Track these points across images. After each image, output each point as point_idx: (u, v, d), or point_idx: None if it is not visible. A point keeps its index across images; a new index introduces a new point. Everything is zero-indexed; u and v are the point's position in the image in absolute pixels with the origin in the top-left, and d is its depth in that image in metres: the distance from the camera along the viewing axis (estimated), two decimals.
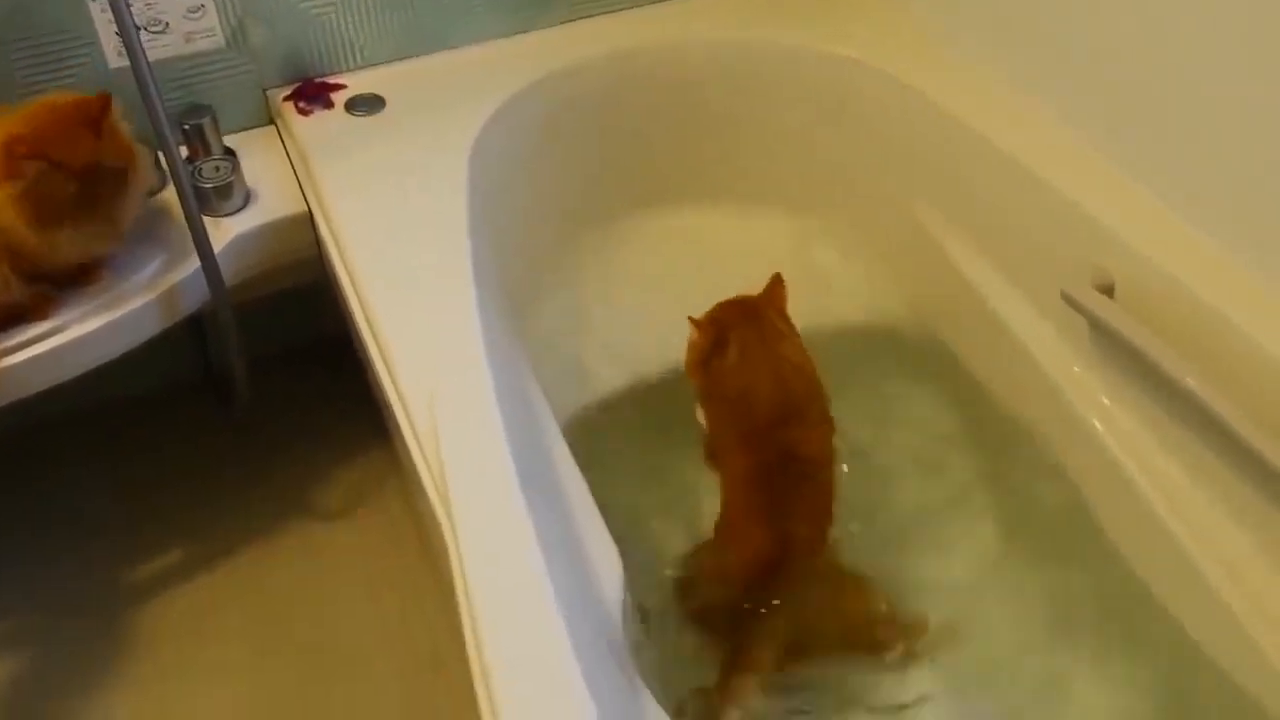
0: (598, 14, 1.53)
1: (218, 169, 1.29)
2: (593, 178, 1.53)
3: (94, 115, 1.10)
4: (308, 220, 1.30)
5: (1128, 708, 1.11)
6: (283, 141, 1.40)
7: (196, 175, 1.28)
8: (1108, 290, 1.15)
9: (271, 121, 1.44)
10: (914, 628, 1.14)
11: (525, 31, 1.51)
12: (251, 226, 1.28)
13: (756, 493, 1.12)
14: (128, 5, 1.07)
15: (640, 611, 1.10)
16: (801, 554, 1.10)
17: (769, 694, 1.07)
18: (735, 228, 1.58)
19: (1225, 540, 1.07)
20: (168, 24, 1.32)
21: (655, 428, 1.30)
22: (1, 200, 1.07)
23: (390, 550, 1.41)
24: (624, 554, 0.98)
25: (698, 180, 1.58)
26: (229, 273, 1.26)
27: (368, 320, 1.12)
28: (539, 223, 1.47)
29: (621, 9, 1.53)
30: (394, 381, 1.04)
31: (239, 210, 1.30)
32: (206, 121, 1.31)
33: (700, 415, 1.22)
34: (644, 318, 1.29)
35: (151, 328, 1.22)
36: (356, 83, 1.43)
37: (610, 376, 1.36)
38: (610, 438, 1.29)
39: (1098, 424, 1.19)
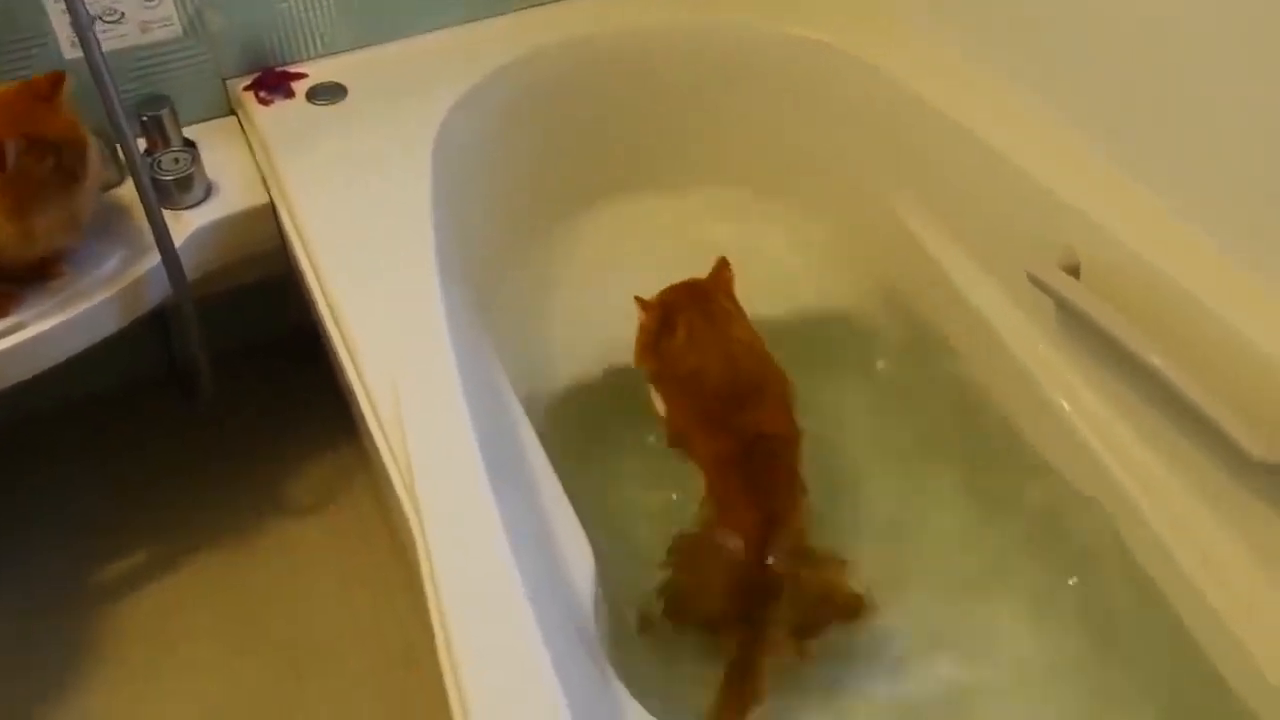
0: None
1: (177, 161, 1.27)
2: (557, 165, 1.52)
3: (46, 93, 1.09)
4: (270, 212, 1.28)
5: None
6: (244, 132, 1.38)
7: (155, 168, 1.26)
8: (1073, 271, 1.15)
9: (232, 112, 1.42)
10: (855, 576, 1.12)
11: (487, 17, 1.49)
12: (213, 219, 1.27)
13: (736, 478, 1.12)
14: None
15: (641, 621, 1.11)
16: (787, 524, 1.09)
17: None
18: (703, 214, 1.57)
19: (1196, 520, 1.07)
20: (123, 13, 1.30)
21: (622, 413, 1.29)
22: None
23: (361, 546, 1.40)
24: (595, 542, 0.98)
25: (665, 166, 1.57)
26: (190, 266, 1.24)
27: (331, 312, 1.11)
28: (503, 211, 1.46)
29: None
30: (359, 372, 1.04)
31: (200, 203, 1.28)
32: (165, 113, 1.29)
33: (656, 400, 1.22)
34: (609, 304, 1.28)
35: (112, 324, 1.20)
36: (318, 71, 1.42)
37: (577, 363, 1.35)
38: (577, 425, 1.28)
39: (1065, 404, 1.19)
